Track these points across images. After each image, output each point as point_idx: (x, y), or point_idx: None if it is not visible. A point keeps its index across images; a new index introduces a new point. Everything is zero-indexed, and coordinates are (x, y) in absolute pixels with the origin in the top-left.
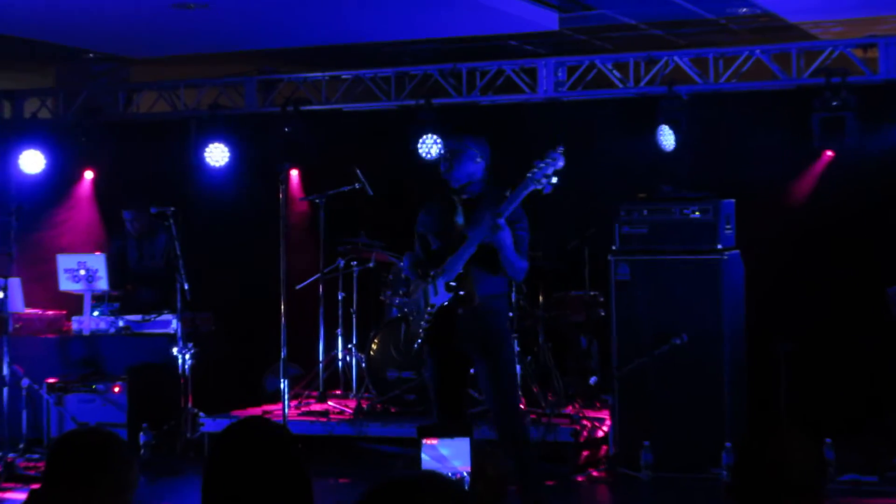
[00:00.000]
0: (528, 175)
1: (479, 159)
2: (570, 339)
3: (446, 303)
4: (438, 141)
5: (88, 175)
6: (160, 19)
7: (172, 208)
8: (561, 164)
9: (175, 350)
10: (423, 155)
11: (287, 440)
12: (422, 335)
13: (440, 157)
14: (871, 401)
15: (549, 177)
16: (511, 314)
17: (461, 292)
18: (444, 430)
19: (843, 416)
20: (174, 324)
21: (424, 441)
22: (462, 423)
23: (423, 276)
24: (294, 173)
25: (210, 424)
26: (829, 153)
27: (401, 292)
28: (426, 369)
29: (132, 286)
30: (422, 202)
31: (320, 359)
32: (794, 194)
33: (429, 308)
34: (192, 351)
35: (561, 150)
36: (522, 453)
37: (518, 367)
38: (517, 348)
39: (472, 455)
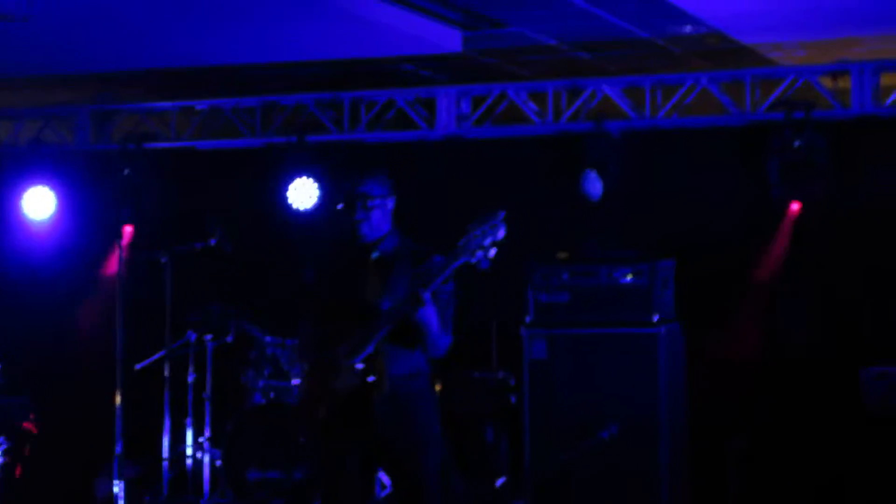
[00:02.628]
0: (460, 244)
1: (390, 205)
2: (474, 432)
3: (353, 387)
4: (313, 188)
5: None
6: None
7: None
8: (502, 233)
9: None
10: (295, 204)
11: None
12: (318, 428)
13: (341, 206)
14: None
15: (485, 248)
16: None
17: (371, 378)
18: None
19: None
20: None
21: None
22: None
23: (321, 354)
24: (134, 226)
25: None
26: (795, 205)
27: (266, 373)
28: (298, 470)
29: None
30: (299, 261)
31: (165, 455)
32: (747, 254)
33: (329, 395)
34: (4, 447)
35: (502, 216)
36: None
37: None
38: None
39: None
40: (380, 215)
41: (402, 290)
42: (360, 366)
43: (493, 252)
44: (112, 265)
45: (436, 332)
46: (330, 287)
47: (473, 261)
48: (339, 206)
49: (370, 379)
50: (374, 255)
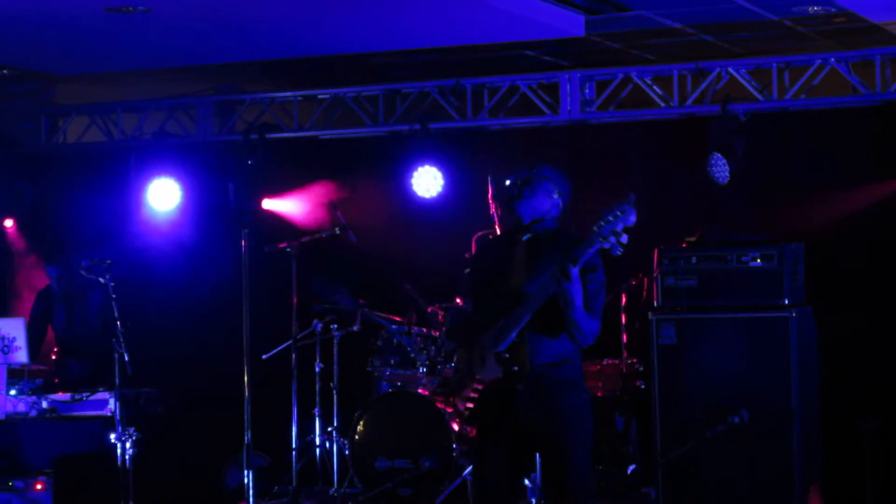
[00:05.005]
0: (595, 229)
1: (556, 195)
2: (603, 419)
3: (498, 377)
4: (437, 175)
5: (8, 224)
6: (92, 27)
7: (109, 260)
8: (633, 219)
9: (113, 436)
10: (420, 192)
11: None
12: (465, 418)
13: (509, 185)
14: None
15: (618, 234)
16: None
17: (514, 367)
18: None
19: None
20: (112, 404)
21: None
22: None
23: (468, 341)
24: (257, 216)
25: None
26: None
27: (392, 362)
28: (426, 459)
29: (59, 357)
30: (427, 248)
31: (294, 445)
32: (879, 236)
33: (475, 383)
34: (135, 437)
35: (633, 200)
36: None
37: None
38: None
39: None
40: (542, 199)
41: (547, 276)
42: (505, 355)
43: (624, 238)
44: (238, 255)
45: (580, 312)
46: (482, 272)
47: (607, 246)
48: (508, 182)
49: (514, 368)
50: (525, 238)
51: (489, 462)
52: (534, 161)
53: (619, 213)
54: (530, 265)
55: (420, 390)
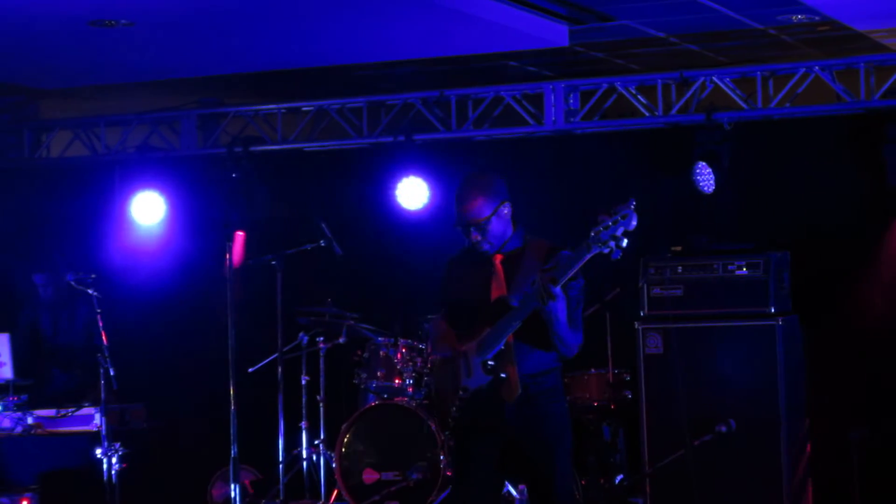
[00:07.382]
0: (592, 234)
1: (505, 211)
2: (590, 429)
3: (484, 385)
4: (423, 187)
5: None
6: (75, 41)
7: (94, 275)
8: (634, 223)
9: (99, 452)
10: (405, 203)
11: None
12: (450, 426)
13: (459, 224)
14: None
15: (618, 238)
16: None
17: (503, 375)
18: None
19: None
20: (97, 419)
21: None
22: None
23: (451, 351)
24: (243, 229)
25: None
26: None
27: (379, 374)
28: (414, 471)
29: (45, 368)
30: (413, 260)
31: (280, 459)
32: (864, 244)
33: (460, 392)
34: (121, 453)
35: (633, 205)
36: None
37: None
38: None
39: None
40: (497, 227)
41: (529, 287)
42: (490, 363)
43: (624, 242)
44: (222, 268)
45: (564, 328)
46: (457, 285)
47: (606, 251)
48: (456, 226)
49: (502, 376)
50: (499, 255)
51: (475, 471)
52: (508, 172)
53: (619, 218)
54: (510, 279)
55: (406, 402)
